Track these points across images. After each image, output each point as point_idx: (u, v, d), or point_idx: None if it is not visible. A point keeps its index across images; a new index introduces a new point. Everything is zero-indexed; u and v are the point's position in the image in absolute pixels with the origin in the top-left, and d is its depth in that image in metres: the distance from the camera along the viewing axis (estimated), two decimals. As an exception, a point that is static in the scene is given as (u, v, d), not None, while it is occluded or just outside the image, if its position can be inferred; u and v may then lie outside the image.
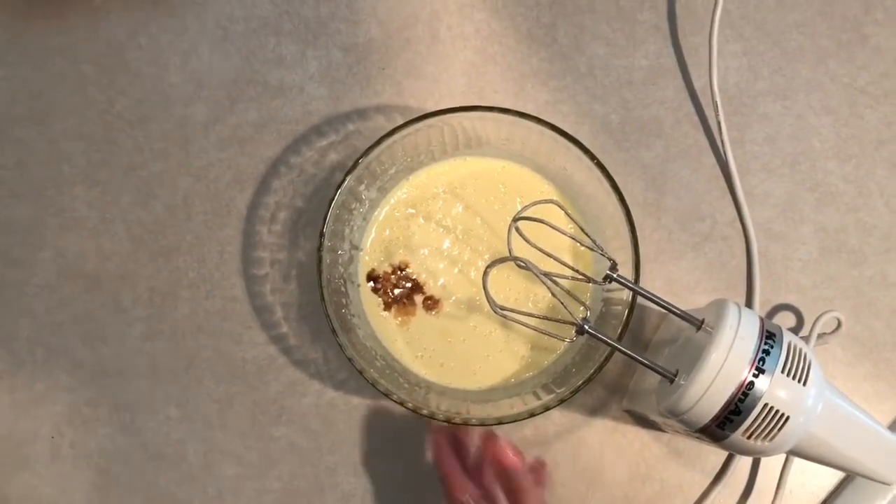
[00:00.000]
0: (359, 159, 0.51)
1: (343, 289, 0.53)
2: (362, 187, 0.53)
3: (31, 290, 0.58)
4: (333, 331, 0.49)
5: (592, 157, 0.51)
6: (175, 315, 0.58)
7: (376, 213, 0.56)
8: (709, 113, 0.60)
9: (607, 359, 0.49)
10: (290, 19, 0.60)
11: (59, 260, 0.58)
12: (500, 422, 0.49)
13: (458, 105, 0.51)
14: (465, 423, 0.49)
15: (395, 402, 0.49)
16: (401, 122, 0.60)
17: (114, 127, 0.59)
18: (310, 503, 0.56)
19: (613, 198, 0.51)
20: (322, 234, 0.50)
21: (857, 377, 0.57)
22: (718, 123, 0.59)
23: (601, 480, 0.56)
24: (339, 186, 0.50)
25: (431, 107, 0.60)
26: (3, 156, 0.59)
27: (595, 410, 0.57)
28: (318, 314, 0.56)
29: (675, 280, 0.58)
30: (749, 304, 0.58)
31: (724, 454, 0.56)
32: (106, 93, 0.60)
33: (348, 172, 0.50)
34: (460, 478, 0.49)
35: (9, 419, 0.57)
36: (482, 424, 0.49)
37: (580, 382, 0.49)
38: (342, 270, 0.53)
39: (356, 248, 0.55)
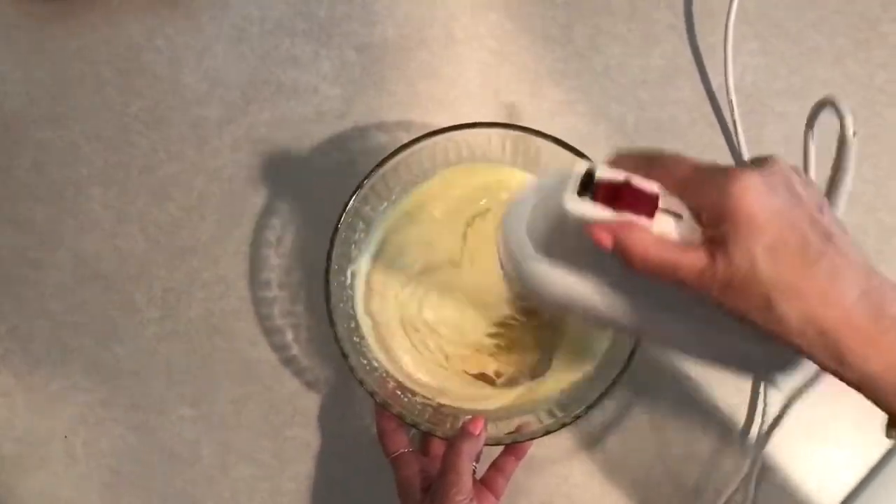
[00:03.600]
0: (363, 180, 0.51)
1: (352, 311, 0.53)
2: (367, 208, 0.53)
3: (48, 290, 0.58)
4: (344, 354, 0.49)
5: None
6: (190, 315, 0.58)
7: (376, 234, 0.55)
8: (725, 113, 0.59)
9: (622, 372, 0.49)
10: (305, 20, 0.61)
11: (75, 260, 0.58)
12: (515, 440, 0.50)
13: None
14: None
15: (409, 424, 0.49)
16: (416, 123, 0.60)
17: (130, 128, 0.60)
18: (324, 504, 0.56)
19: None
20: (329, 258, 0.50)
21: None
22: (734, 123, 0.58)
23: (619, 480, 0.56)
24: (344, 208, 0.50)
25: (446, 107, 0.60)
26: (21, 157, 0.59)
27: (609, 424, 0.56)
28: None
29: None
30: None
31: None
32: (123, 94, 0.60)
33: (353, 194, 0.51)
34: (398, 433, 0.50)
35: (24, 419, 0.57)
36: (497, 443, 0.49)
37: (594, 399, 0.49)
38: (350, 293, 0.53)
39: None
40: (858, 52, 0.60)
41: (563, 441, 0.56)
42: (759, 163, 0.34)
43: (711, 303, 0.34)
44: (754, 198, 0.32)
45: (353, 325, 0.53)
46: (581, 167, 0.35)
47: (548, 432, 0.49)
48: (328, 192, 0.59)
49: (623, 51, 0.60)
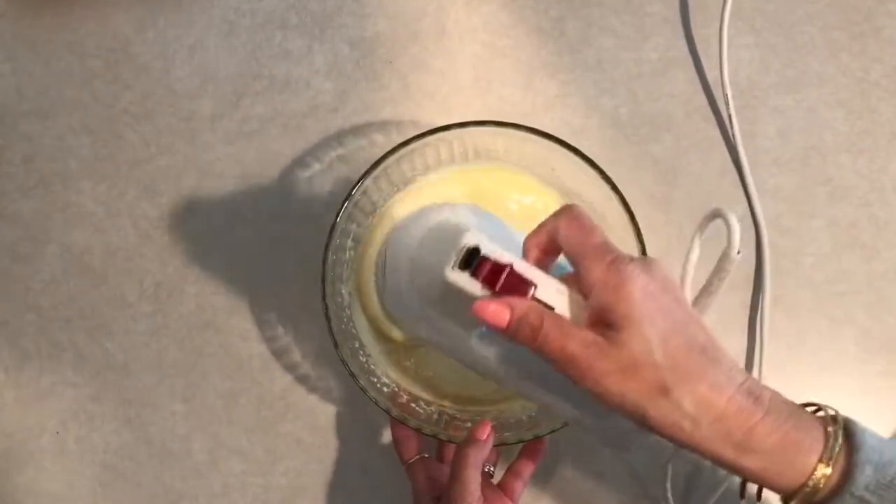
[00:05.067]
0: (345, 201, 0.50)
1: (354, 331, 0.53)
2: (354, 225, 0.53)
3: (37, 285, 0.58)
4: (352, 375, 0.49)
5: (594, 164, 0.50)
6: (181, 310, 0.57)
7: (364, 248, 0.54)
8: (720, 106, 0.59)
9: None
10: (297, 13, 0.60)
11: (65, 255, 0.58)
12: (520, 440, 0.50)
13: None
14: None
15: (428, 435, 0.49)
16: (408, 118, 0.60)
17: (120, 122, 0.59)
18: (315, 499, 0.56)
19: (615, 203, 0.50)
20: (323, 281, 0.50)
21: (869, 373, 0.57)
22: (729, 117, 0.58)
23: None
24: (330, 232, 0.50)
25: (439, 101, 0.59)
26: (9, 151, 0.59)
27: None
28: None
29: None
30: (759, 300, 0.57)
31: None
32: (112, 87, 0.60)
33: (338, 214, 0.50)
34: (411, 441, 0.51)
35: (14, 414, 0.57)
36: (502, 444, 0.49)
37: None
38: (349, 313, 0.53)
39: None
40: (853, 46, 0.60)
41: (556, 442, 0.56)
42: (646, 262, 0.36)
43: (595, 394, 0.35)
44: (645, 290, 0.34)
45: (357, 345, 0.53)
46: (469, 239, 0.36)
47: (553, 431, 0.49)
48: (322, 186, 0.58)
49: (616, 44, 0.60)
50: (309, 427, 0.56)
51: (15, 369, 0.57)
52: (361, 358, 0.52)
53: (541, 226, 0.39)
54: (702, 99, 0.59)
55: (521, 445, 0.52)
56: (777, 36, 0.60)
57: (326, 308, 0.50)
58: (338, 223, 0.50)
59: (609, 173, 0.50)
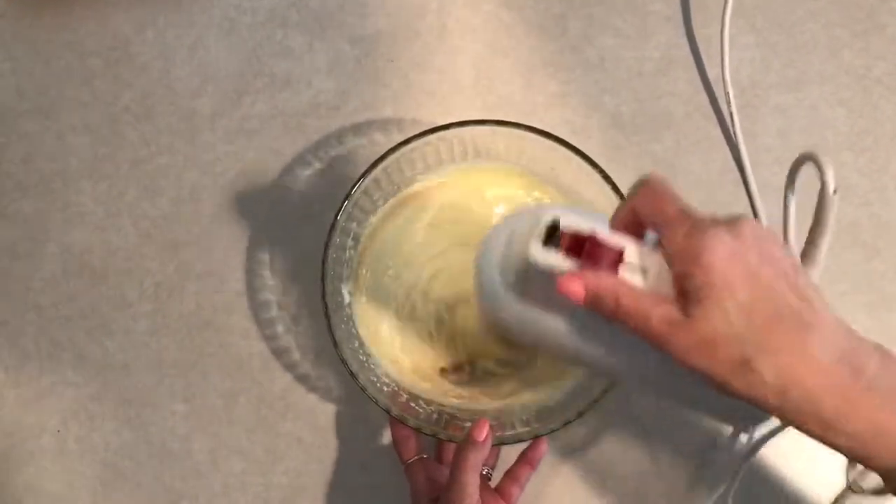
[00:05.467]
0: (345, 200, 0.50)
1: (354, 331, 0.53)
2: (354, 224, 0.53)
3: (37, 284, 0.58)
4: (352, 374, 0.49)
5: (594, 163, 0.50)
6: (181, 309, 0.57)
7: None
8: (721, 105, 0.59)
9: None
10: (298, 11, 0.60)
11: (65, 254, 0.58)
12: (519, 439, 0.49)
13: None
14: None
15: (428, 434, 0.49)
16: (409, 116, 0.60)
17: (120, 120, 0.59)
18: (316, 499, 0.56)
19: (616, 202, 0.50)
20: (323, 279, 0.50)
21: (872, 373, 0.56)
22: (730, 115, 0.58)
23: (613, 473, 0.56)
24: (330, 230, 0.50)
25: (440, 100, 0.59)
26: (9, 150, 0.59)
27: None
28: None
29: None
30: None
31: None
32: (112, 86, 0.59)
33: (338, 213, 0.50)
34: (410, 441, 0.50)
35: (14, 414, 0.56)
36: (501, 443, 0.49)
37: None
38: (349, 312, 0.53)
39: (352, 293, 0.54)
40: (855, 44, 0.60)
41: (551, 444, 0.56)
42: (731, 222, 0.34)
43: (680, 364, 0.33)
44: (727, 255, 0.32)
45: (356, 344, 0.52)
46: (548, 216, 0.35)
47: (552, 430, 0.49)
48: (323, 185, 0.58)
49: (617, 42, 0.60)
50: (309, 426, 0.56)
51: (15, 369, 0.57)
52: (361, 357, 0.52)
53: (622, 203, 0.37)
54: (703, 98, 0.59)
55: (519, 451, 0.52)
56: (778, 34, 0.60)
57: (326, 307, 0.49)
58: (338, 222, 0.50)
59: (610, 172, 0.50)
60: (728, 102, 0.58)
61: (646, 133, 0.59)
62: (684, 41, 0.60)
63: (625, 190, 0.50)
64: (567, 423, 0.48)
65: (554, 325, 0.39)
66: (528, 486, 0.52)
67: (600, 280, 0.34)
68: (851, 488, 0.38)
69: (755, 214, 0.58)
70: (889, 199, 0.58)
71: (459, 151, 0.53)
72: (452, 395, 0.53)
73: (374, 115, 0.59)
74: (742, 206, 0.58)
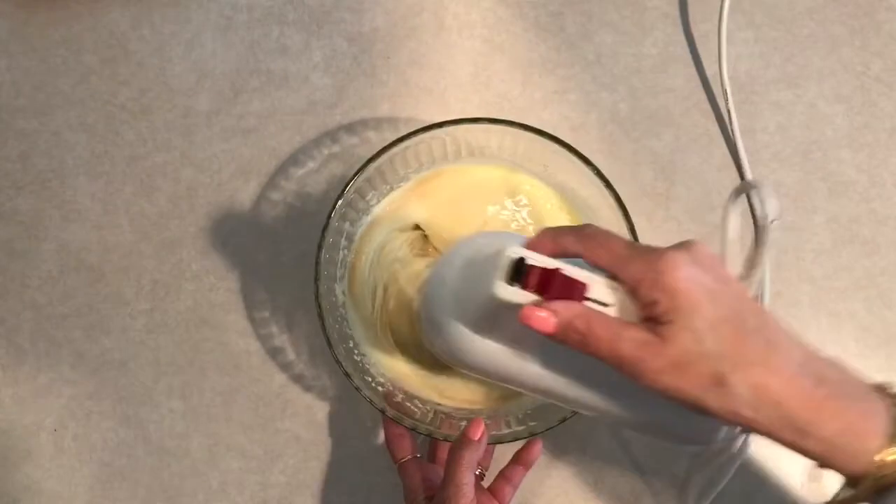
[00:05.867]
0: (337, 199, 0.50)
1: (349, 331, 0.53)
2: (347, 224, 0.53)
3: (34, 282, 0.57)
4: (347, 375, 0.49)
5: (586, 160, 0.50)
6: (178, 307, 0.57)
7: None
8: (719, 101, 0.59)
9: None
10: (294, 8, 0.60)
11: (61, 252, 0.58)
12: (517, 437, 0.49)
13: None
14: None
15: (423, 434, 0.49)
16: (406, 114, 0.59)
17: (116, 118, 0.59)
18: (314, 496, 0.55)
19: (610, 199, 0.50)
20: (316, 280, 0.49)
21: (870, 369, 0.56)
22: (729, 112, 0.58)
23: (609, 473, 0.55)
24: (323, 230, 0.50)
25: (437, 96, 0.59)
26: (5, 147, 0.59)
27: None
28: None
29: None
30: (760, 295, 0.56)
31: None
32: (109, 84, 0.59)
33: (330, 213, 0.50)
34: (404, 440, 0.50)
35: (11, 412, 0.56)
36: (497, 442, 0.49)
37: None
38: (343, 312, 0.53)
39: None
40: (854, 40, 0.59)
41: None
42: (683, 245, 0.35)
43: (651, 388, 0.34)
44: (687, 276, 0.33)
45: (351, 344, 0.52)
46: (512, 253, 0.35)
47: (549, 428, 0.49)
48: (319, 183, 0.58)
49: (616, 39, 0.59)
50: (307, 424, 0.56)
51: (12, 367, 0.57)
52: (356, 357, 0.52)
53: (542, 233, 0.38)
54: (701, 94, 0.59)
55: (513, 451, 0.52)
56: (777, 31, 0.60)
57: (319, 307, 0.49)
58: (330, 222, 0.50)
59: (608, 169, 0.50)
60: (726, 99, 0.57)
61: (644, 129, 0.58)
62: (682, 37, 0.60)
63: (624, 186, 0.50)
64: (564, 421, 0.48)
65: (507, 358, 0.39)
66: (521, 485, 0.52)
67: (569, 308, 0.35)
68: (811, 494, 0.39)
69: (752, 211, 0.57)
70: (888, 195, 0.58)
71: (453, 150, 0.53)
72: (448, 395, 0.53)
73: (371, 112, 0.59)
74: (739, 203, 0.57)
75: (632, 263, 0.34)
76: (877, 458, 0.32)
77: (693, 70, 0.59)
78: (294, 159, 0.58)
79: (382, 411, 0.49)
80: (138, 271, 0.57)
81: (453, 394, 0.53)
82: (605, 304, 0.35)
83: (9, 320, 0.57)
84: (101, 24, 0.60)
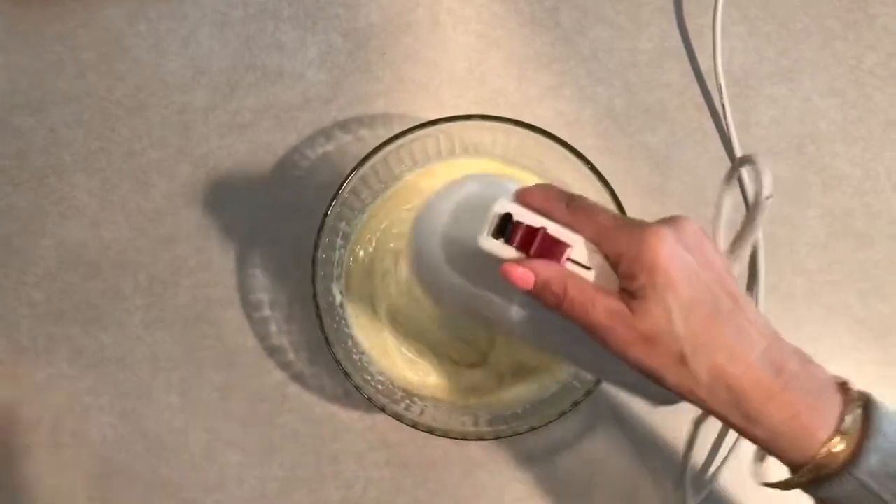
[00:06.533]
0: (332, 200, 0.50)
1: (347, 330, 0.53)
2: (343, 223, 0.53)
3: (32, 278, 0.58)
4: (346, 374, 0.49)
5: (579, 154, 0.50)
6: (176, 303, 0.57)
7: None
8: (714, 96, 0.59)
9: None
10: (290, 4, 0.60)
11: (59, 248, 0.58)
12: (515, 432, 0.49)
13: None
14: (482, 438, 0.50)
15: (425, 431, 0.49)
16: (401, 110, 0.59)
17: (113, 114, 0.59)
18: (312, 491, 0.56)
19: (606, 195, 0.50)
20: (313, 280, 0.50)
21: (863, 362, 0.57)
22: (723, 106, 0.58)
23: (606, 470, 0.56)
24: (320, 228, 0.50)
25: (432, 92, 0.59)
26: (2, 144, 0.59)
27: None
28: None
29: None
30: (754, 288, 0.57)
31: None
32: (105, 80, 0.59)
33: (326, 212, 0.50)
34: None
35: (9, 407, 0.56)
36: (496, 437, 0.50)
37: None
38: (342, 312, 0.53)
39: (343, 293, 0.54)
40: (848, 34, 0.60)
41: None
42: (670, 221, 0.35)
43: (617, 355, 0.35)
44: (669, 254, 0.33)
45: (350, 343, 0.53)
46: (500, 207, 0.36)
47: (549, 422, 0.49)
48: (315, 179, 0.58)
49: (611, 34, 0.60)
50: (305, 419, 0.56)
51: (10, 363, 0.57)
52: (355, 356, 0.52)
53: (534, 191, 0.37)
54: (696, 89, 0.59)
55: (516, 448, 0.52)
56: (771, 25, 0.60)
57: (317, 307, 0.49)
58: (326, 222, 0.50)
59: (603, 164, 0.50)
60: (720, 93, 0.58)
61: (639, 124, 0.59)
62: (677, 32, 0.60)
63: (619, 181, 0.50)
64: (563, 414, 0.49)
65: (503, 309, 0.39)
66: (517, 484, 0.53)
67: (549, 269, 0.35)
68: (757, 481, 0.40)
69: (747, 205, 0.58)
70: (882, 189, 0.58)
71: (447, 147, 0.53)
72: (445, 390, 0.53)
73: (366, 108, 0.59)
74: (734, 196, 0.58)
75: (616, 236, 0.35)
76: (822, 450, 0.33)
77: (688, 65, 0.59)
78: (290, 155, 0.58)
79: (382, 409, 0.49)
80: (135, 267, 0.58)
81: (452, 390, 0.53)
82: (586, 267, 0.36)
83: (7, 316, 0.57)
84: (97, 21, 0.60)
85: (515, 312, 0.39)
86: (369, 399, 0.49)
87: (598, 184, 0.50)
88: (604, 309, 0.34)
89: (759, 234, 0.40)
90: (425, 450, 0.56)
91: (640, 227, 0.35)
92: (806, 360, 0.35)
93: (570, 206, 0.37)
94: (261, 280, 0.57)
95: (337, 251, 0.53)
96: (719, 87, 0.58)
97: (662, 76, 0.59)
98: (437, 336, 0.53)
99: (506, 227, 0.36)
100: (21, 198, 0.58)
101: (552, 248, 0.35)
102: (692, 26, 0.60)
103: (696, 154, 0.58)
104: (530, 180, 0.54)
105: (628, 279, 0.34)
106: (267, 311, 0.57)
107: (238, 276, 0.57)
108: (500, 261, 0.36)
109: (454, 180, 0.43)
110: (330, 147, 0.59)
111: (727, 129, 0.58)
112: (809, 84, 0.59)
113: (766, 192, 0.38)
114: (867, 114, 0.59)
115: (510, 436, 0.50)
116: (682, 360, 0.34)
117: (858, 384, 0.36)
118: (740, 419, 0.34)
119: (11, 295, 0.57)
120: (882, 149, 0.58)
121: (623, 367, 0.36)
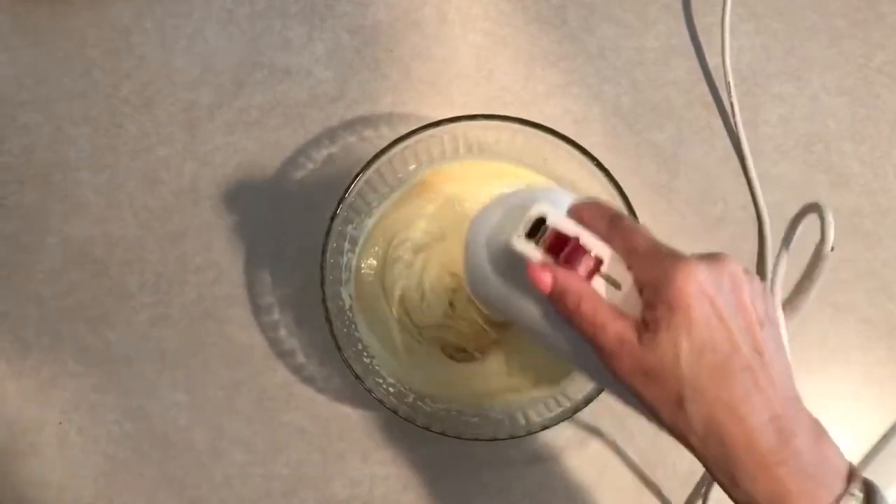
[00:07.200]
0: (338, 205, 0.50)
1: (356, 333, 0.53)
2: (351, 227, 0.53)
3: (38, 275, 0.57)
4: (357, 377, 0.49)
5: (585, 152, 0.50)
6: (182, 300, 0.57)
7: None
8: (721, 94, 0.59)
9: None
10: (297, 1, 0.60)
11: (65, 245, 0.58)
12: (511, 435, 0.49)
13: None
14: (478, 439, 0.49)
15: (437, 433, 0.49)
16: (409, 108, 0.59)
17: (119, 111, 0.59)
18: (317, 489, 0.56)
19: (612, 190, 0.50)
20: (322, 284, 0.49)
21: (871, 361, 0.57)
22: (731, 104, 0.58)
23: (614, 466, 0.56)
24: (327, 232, 0.50)
25: (440, 90, 0.59)
26: (8, 141, 0.59)
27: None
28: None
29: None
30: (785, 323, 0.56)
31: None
32: (111, 77, 0.59)
33: (333, 216, 0.50)
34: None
35: (16, 405, 0.56)
36: (511, 437, 0.49)
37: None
38: (350, 315, 0.53)
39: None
40: (856, 33, 0.59)
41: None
42: (710, 258, 0.33)
43: (617, 380, 0.34)
44: (694, 292, 0.32)
45: (360, 346, 0.52)
46: (538, 210, 0.36)
47: (564, 419, 0.49)
48: (323, 176, 0.58)
49: (618, 32, 0.59)
50: (311, 417, 0.56)
51: (16, 360, 0.57)
52: (366, 360, 0.52)
53: (587, 207, 0.37)
54: (704, 87, 0.59)
55: (526, 450, 0.52)
56: (779, 23, 0.60)
57: (327, 311, 0.49)
58: (333, 226, 0.50)
59: (611, 162, 0.50)
60: (728, 91, 0.57)
61: (646, 122, 0.58)
62: (684, 30, 0.60)
63: (627, 179, 0.50)
64: (576, 412, 0.49)
65: (527, 309, 0.39)
66: (523, 482, 0.53)
67: (568, 279, 0.35)
68: None
69: (755, 204, 0.58)
70: (890, 188, 0.58)
71: (451, 147, 0.53)
72: (456, 392, 0.53)
73: (374, 105, 0.59)
74: (742, 196, 0.58)
75: (647, 262, 0.34)
76: None
77: (695, 62, 0.59)
78: (297, 152, 0.58)
79: (395, 411, 0.49)
80: (142, 265, 0.57)
81: (465, 390, 0.53)
82: (616, 285, 0.36)
83: (13, 314, 0.57)
84: (104, 18, 0.60)
85: (538, 313, 0.39)
86: (381, 402, 0.49)
87: (605, 181, 0.49)
88: (613, 333, 0.34)
89: (816, 290, 0.39)
90: (432, 448, 0.55)
91: (673, 258, 0.33)
92: (821, 438, 0.33)
93: (612, 223, 0.36)
94: (268, 278, 0.57)
95: (345, 255, 0.52)
96: (727, 84, 0.57)
97: (670, 74, 0.59)
98: (449, 334, 0.53)
99: (538, 231, 0.36)
100: (27, 195, 0.58)
101: (580, 258, 0.35)
102: (700, 24, 0.60)
103: (704, 152, 0.58)
104: (535, 178, 0.54)
105: (648, 308, 0.33)
106: (274, 310, 0.57)
107: (245, 273, 0.57)
108: (527, 261, 0.36)
109: (516, 191, 0.43)
110: (337, 144, 0.59)
111: (735, 127, 0.58)
112: (818, 82, 0.59)
113: (829, 244, 0.37)
114: (876, 112, 0.59)
115: (524, 435, 0.50)
116: (679, 402, 0.32)
117: (865, 384, 0.35)
118: (726, 479, 0.33)
119: (18, 292, 0.57)
120: (890, 147, 0.58)
121: (617, 386, 0.36)
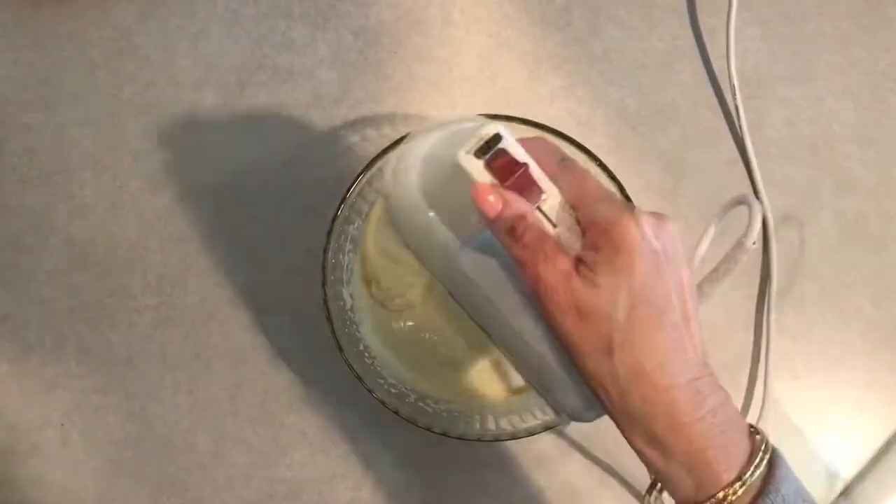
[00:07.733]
0: (340, 204, 0.49)
1: (358, 334, 0.53)
2: (352, 227, 0.52)
3: (41, 276, 0.57)
4: (359, 377, 0.49)
5: (588, 152, 0.49)
6: (185, 302, 0.57)
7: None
8: (727, 97, 0.59)
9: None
10: (300, 2, 0.60)
11: (68, 246, 0.58)
12: (513, 436, 0.49)
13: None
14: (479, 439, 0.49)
15: (439, 433, 0.49)
16: (412, 109, 0.59)
17: (122, 113, 0.59)
18: (320, 492, 0.56)
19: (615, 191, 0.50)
20: (324, 284, 0.49)
21: (877, 366, 0.56)
22: (736, 107, 0.57)
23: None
24: (329, 232, 0.49)
25: (443, 91, 0.59)
26: (11, 142, 0.59)
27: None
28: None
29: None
30: (766, 291, 0.56)
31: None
32: (114, 78, 0.59)
33: (334, 217, 0.49)
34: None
35: (18, 406, 0.56)
36: (513, 437, 0.49)
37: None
38: (352, 315, 0.53)
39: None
40: (862, 37, 0.59)
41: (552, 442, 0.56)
42: (654, 214, 0.34)
43: (549, 319, 0.33)
44: (640, 240, 0.32)
45: (361, 347, 0.52)
46: (490, 129, 0.35)
47: (543, 428, 0.49)
48: (327, 177, 0.58)
49: (623, 34, 0.59)
50: (313, 418, 0.56)
51: (18, 361, 0.57)
52: (367, 360, 0.52)
53: (536, 141, 0.37)
54: (709, 90, 0.59)
55: (525, 449, 0.52)
56: (784, 26, 0.59)
57: (328, 311, 0.49)
58: (335, 226, 0.49)
59: (615, 164, 0.50)
60: (734, 94, 0.57)
61: (651, 125, 0.58)
62: (690, 33, 0.59)
63: (631, 182, 0.50)
64: (557, 425, 0.48)
65: (447, 243, 0.38)
66: (526, 484, 0.53)
67: (520, 205, 0.34)
68: None
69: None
70: (895, 192, 0.58)
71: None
72: (458, 392, 0.53)
73: (377, 106, 0.59)
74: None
75: (596, 204, 0.34)
76: (720, 493, 0.32)
77: (700, 65, 0.59)
78: (300, 153, 0.58)
79: (396, 412, 0.49)
80: (145, 266, 0.57)
81: (464, 391, 0.53)
82: (552, 223, 0.35)
83: (15, 315, 0.57)
84: (107, 18, 0.59)
85: (464, 254, 0.38)
86: (382, 402, 0.49)
87: (609, 183, 0.49)
88: (554, 266, 0.33)
89: (728, 281, 0.39)
90: (434, 450, 0.55)
91: (622, 204, 0.33)
92: (727, 401, 0.34)
93: (563, 162, 0.36)
94: (270, 279, 0.57)
95: (346, 255, 0.52)
96: (732, 88, 0.57)
97: (674, 77, 0.59)
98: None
99: (488, 152, 0.34)
100: (30, 196, 0.58)
101: (527, 188, 0.34)
102: (705, 27, 0.59)
103: (709, 155, 0.58)
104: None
105: (591, 249, 0.33)
106: (276, 311, 0.57)
107: (247, 275, 0.57)
108: (471, 181, 0.35)
109: (461, 117, 0.41)
110: (339, 145, 0.58)
111: (740, 130, 0.58)
112: (823, 86, 0.59)
113: (750, 238, 0.37)
114: (882, 116, 0.58)
115: (525, 436, 0.49)
116: (608, 348, 0.32)
117: (869, 390, 0.36)
118: (643, 439, 0.33)
119: (20, 293, 0.57)
120: (896, 151, 0.58)
121: (544, 345, 0.35)
